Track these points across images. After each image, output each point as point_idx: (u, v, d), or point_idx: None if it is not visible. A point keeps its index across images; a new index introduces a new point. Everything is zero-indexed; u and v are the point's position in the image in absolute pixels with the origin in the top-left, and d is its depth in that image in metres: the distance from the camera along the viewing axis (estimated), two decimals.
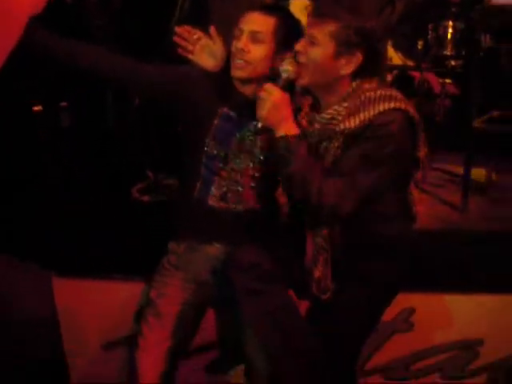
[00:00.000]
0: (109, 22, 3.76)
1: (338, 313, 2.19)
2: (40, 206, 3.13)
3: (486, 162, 3.57)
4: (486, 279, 2.80)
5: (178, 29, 2.38)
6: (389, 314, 2.44)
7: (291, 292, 2.28)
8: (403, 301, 2.53)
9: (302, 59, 2.04)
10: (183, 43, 2.37)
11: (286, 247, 2.27)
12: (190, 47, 2.37)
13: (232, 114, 2.30)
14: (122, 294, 2.82)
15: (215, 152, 2.30)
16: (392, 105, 1.97)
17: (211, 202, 2.33)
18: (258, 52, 2.21)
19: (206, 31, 2.38)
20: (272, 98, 2.01)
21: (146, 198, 3.43)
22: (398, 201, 2.14)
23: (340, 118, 2.03)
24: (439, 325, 2.79)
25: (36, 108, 4.05)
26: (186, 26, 2.39)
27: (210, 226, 2.36)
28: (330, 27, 1.98)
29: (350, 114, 2.00)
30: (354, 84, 2.04)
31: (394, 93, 2.03)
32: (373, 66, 2.06)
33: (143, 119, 3.49)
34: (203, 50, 2.36)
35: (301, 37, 2.09)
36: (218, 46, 2.35)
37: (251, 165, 2.32)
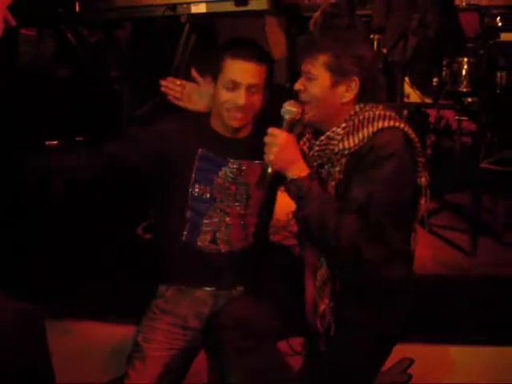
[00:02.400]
0: (120, 57, 3.80)
1: (334, 359, 2.12)
2: (40, 243, 3.13)
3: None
4: (494, 330, 2.66)
5: (162, 82, 2.45)
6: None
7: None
8: (402, 350, 2.43)
9: (304, 97, 2.04)
10: (170, 92, 2.45)
11: (280, 286, 2.22)
12: (178, 95, 2.44)
13: (210, 154, 2.29)
14: (117, 335, 2.77)
15: (200, 193, 2.28)
16: (391, 123, 1.97)
17: (200, 243, 2.31)
18: (255, 102, 2.21)
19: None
20: (278, 141, 1.98)
21: (147, 236, 3.41)
22: (401, 240, 2.08)
23: (338, 137, 2.01)
24: (439, 378, 2.65)
25: (51, 142, 4.09)
26: (168, 78, 2.47)
27: (198, 269, 2.33)
28: (323, 59, 1.99)
29: (349, 133, 2.00)
30: (356, 107, 2.03)
31: (394, 114, 2.02)
32: (373, 93, 2.06)
33: None
34: (191, 95, 2.43)
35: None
36: (204, 87, 2.41)
37: (237, 203, 2.30)
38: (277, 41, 4.19)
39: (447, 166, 4.09)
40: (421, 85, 4.44)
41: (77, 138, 4.18)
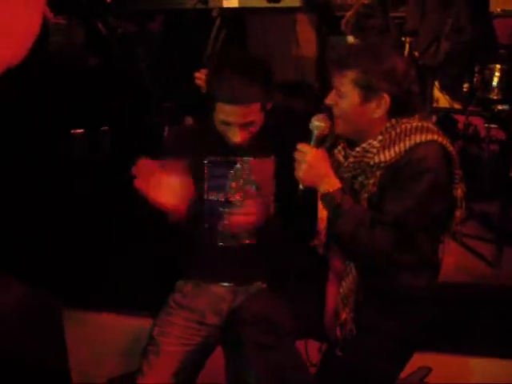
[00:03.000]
0: (149, 49, 3.79)
1: (351, 365, 2.11)
2: (59, 235, 3.14)
3: None
4: None
5: (196, 74, 2.39)
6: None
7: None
8: (420, 359, 2.39)
9: (336, 111, 2.02)
10: (204, 85, 2.33)
11: (301, 286, 2.21)
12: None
13: (217, 158, 2.27)
14: (132, 328, 2.78)
15: (215, 198, 2.28)
16: (429, 137, 1.94)
17: (220, 242, 2.31)
18: (253, 129, 2.17)
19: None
20: (307, 158, 1.97)
21: None
22: (431, 250, 2.08)
23: (374, 150, 1.99)
24: None
25: (76, 131, 4.12)
26: (202, 70, 2.38)
27: (218, 264, 2.33)
28: (351, 75, 1.97)
29: (385, 146, 1.98)
30: (392, 120, 2.00)
31: (431, 126, 2.00)
32: (407, 106, 2.02)
33: None
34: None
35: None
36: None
37: (251, 199, 2.29)
38: (307, 39, 4.15)
39: (474, 173, 4.03)
40: (451, 90, 4.38)
41: (102, 128, 4.21)
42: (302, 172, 1.98)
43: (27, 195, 3.30)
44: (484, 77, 3.89)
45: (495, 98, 3.87)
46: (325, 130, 2.02)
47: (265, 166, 2.29)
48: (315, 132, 2.01)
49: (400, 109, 1.99)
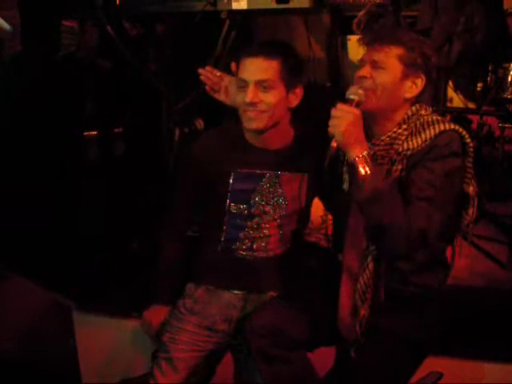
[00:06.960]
0: (159, 52, 3.79)
1: (365, 366, 2.11)
2: (69, 236, 3.14)
3: None
4: None
5: (200, 70, 2.40)
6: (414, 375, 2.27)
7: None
8: (431, 363, 2.35)
9: (369, 84, 2.02)
10: (208, 82, 2.40)
11: (313, 290, 2.21)
12: (215, 86, 2.39)
13: (245, 171, 2.23)
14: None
15: (236, 211, 2.25)
16: (452, 126, 1.99)
17: (237, 251, 2.29)
18: (269, 99, 2.11)
19: None
20: (349, 115, 1.94)
21: None
22: (442, 248, 2.11)
23: (403, 138, 2.02)
24: None
25: (90, 133, 4.13)
26: (207, 67, 2.42)
27: (231, 273, 2.31)
28: (397, 51, 2.02)
29: (412, 134, 2.01)
30: (413, 108, 2.05)
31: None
32: (430, 93, 2.13)
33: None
34: (228, 88, 2.37)
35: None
36: None
37: (275, 215, 2.26)
38: (319, 40, 4.12)
39: (488, 173, 3.99)
40: (464, 89, 4.33)
41: (115, 130, 4.22)
42: (343, 128, 1.91)
43: (40, 197, 3.31)
44: (498, 76, 3.86)
45: (509, 97, 3.83)
46: (362, 97, 2.00)
47: (297, 182, 2.26)
48: (353, 97, 1.98)
49: (426, 94, 2.07)
